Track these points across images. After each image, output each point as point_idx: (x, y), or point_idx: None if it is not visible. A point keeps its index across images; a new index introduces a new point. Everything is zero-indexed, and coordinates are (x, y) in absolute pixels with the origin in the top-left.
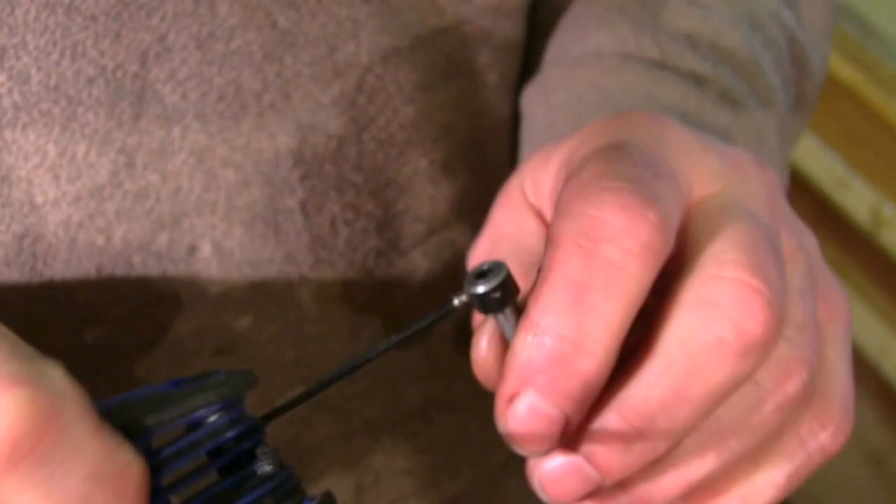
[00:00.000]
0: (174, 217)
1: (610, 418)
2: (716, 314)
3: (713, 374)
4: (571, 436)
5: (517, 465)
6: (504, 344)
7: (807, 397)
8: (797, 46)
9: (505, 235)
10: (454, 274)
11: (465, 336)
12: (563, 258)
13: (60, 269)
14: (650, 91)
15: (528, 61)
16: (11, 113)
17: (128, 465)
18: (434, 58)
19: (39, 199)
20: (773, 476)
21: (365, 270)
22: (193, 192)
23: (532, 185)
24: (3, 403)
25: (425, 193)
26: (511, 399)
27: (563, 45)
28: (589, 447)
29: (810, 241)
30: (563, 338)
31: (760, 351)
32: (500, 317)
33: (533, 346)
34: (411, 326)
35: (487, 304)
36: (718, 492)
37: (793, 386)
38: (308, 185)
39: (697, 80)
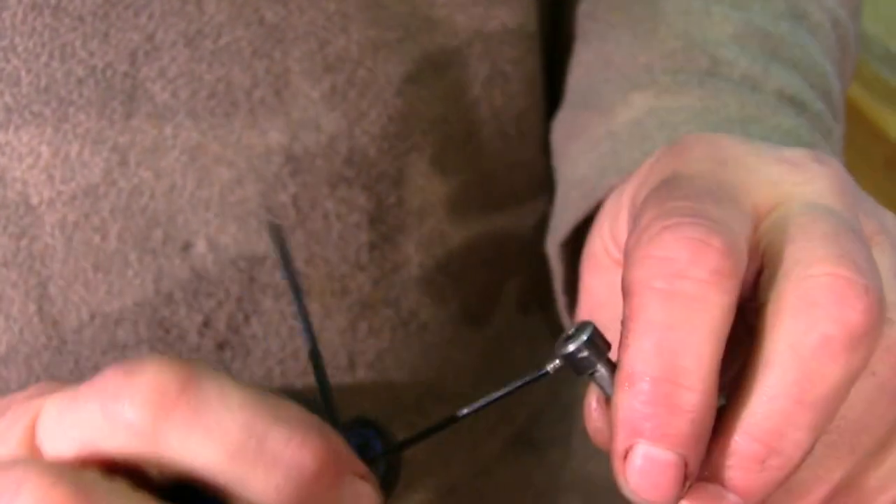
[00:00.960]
0: (168, 214)
1: (739, 442)
2: (816, 313)
3: (828, 373)
4: (694, 478)
5: (510, 455)
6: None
7: None
8: (840, 27)
9: (601, 302)
10: (447, 266)
11: (458, 325)
12: (640, 304)
13: (58, 268)
14: (707, 105)
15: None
16: (3, 115)
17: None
18: (425, 49)
19: (35, 200)
20: None
21: (359, 264)
22: (187, 189)
23: (612, 241)
24: (145, 367)
25: (417, 185)
26: (625, 455)
27: (607, 57)
28: (727, 474)
29: (891, 220)
30: (658, 379)
31: (868, 339)
32: (598, 376)
33: (632, 396)
34: (505, 389)
35: (579, 364)
36: (860, 488)
37: None
38: (299, 180)
39: (753, 85)
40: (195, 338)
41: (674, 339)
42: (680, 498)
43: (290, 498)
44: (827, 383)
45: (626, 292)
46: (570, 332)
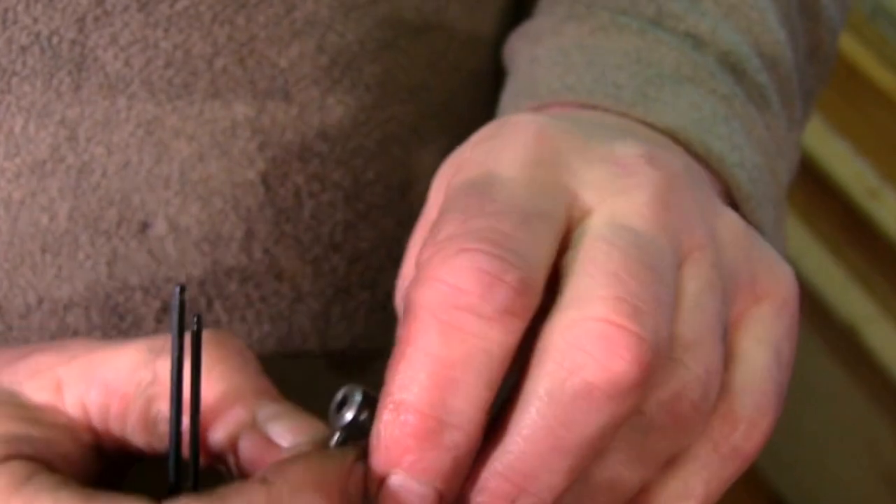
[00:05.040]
0: (123, 193)
1: (491, 479)
2: (580, 359)
3: (588, 421)
4: None
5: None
6: None
7: (702, 411)
8: None
9: None
10: None
11: None
12: (419, 330)
13: (2, 250)
14: (641, 55)
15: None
16: None
17: None
18: (400, 11)
19: None
20: (689, 485)
21: (333, 244)
22: (144, 165)
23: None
24: None
25: (397, 159)
26: (381, 483)
27: None
28: None
29: (727, 225)
30: (426, 415)
31: (635, 391)
32: None
33: (396, 425)
34: None
35: (363, 428)
36: None
37: (681, 407)
38: (268, 155)
39: (696, 43)
40: (152, 324)
41: (449, 375)
42: None
43: None
44: (585, 431)
45: (407, 310)
46: (339, 398)
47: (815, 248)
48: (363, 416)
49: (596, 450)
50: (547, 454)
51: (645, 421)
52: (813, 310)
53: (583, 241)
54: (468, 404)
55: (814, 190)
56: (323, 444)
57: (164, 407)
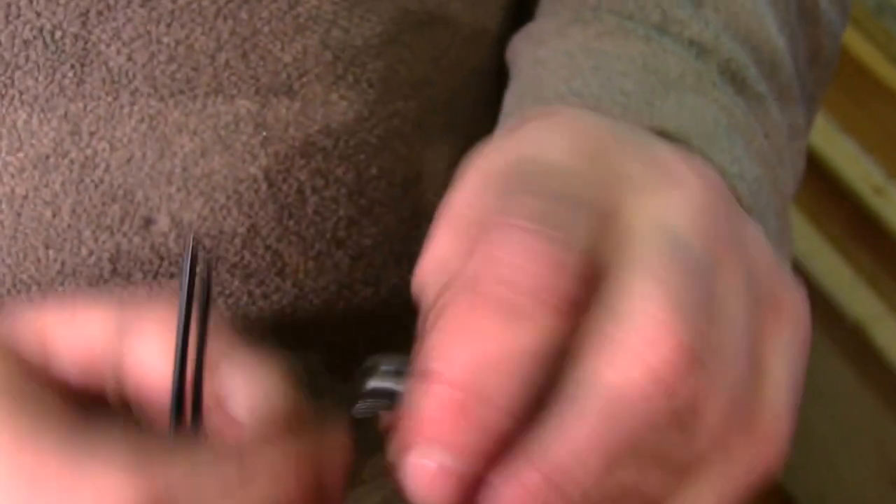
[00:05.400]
0: (126, 188)
1: (524, 471)
2: (627, 355)
3: (629, 419)
4: (476, 490)
5: None
6: None
7: (729, 419)
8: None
9: (445, 259)
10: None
11: None
12: (467, 303)
13: (6, 244)
14: (646, 62)
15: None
16: None
17: None
18: (404, 5)
19: None
20: (702, 496)
21: (336, 241)
22: (146, 161)
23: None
24: None
25: (400, 154)
26: (410, 451)
27: None
28: (505, 500)
29: (755, 238)
30: (464, 389)
31: (677, 395)
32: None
33: (430, 396)
34: None
35: (389, 396)
36: None
37: (709, 412)
38: (271, 151)
39: (699, 51)
40: None
41: (488, 350)
42: None
43: None
44: (626, 430)
45: (460, 285)
46: (367, 365)
47: (821, 247)
48: (388, 385)
49: (633, 451)
50: (585, 452)
51: (674, 424)
52: (820, 309)
53: (630, 237)
54: (507, 382)
55: (820, 188)
56: (347, 410)
57: (133, 392)
